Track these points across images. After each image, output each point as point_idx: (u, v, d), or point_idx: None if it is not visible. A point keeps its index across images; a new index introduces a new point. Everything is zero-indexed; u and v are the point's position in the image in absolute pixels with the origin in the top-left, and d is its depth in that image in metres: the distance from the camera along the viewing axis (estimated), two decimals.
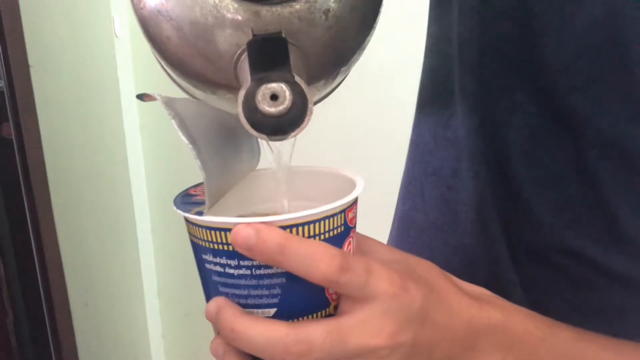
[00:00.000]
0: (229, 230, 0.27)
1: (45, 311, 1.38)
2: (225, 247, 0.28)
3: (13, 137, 1.24)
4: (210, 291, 0.30)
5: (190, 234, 0.30)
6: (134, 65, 1.53)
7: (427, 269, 0.32)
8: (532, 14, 0.39)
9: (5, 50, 1.19)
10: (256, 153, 0.36)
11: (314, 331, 0.27)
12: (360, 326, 0.28)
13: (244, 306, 0.29)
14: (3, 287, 1.35)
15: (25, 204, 1.29)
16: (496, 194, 0.41)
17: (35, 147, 1.27)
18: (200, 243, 0.29)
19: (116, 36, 1.46)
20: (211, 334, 0.32)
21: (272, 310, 0.29)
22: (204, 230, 0.28)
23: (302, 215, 0.27)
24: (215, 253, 0.28)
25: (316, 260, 0.27)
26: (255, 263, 0.28)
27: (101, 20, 1.44)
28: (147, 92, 0.32)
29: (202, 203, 0.30)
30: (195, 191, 0.34)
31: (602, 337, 0.35)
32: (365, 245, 0.33)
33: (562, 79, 0.38)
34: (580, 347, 0.35)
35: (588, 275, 0.38)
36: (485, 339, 0.32)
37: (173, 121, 0.29)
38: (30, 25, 1.23)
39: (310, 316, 0.29)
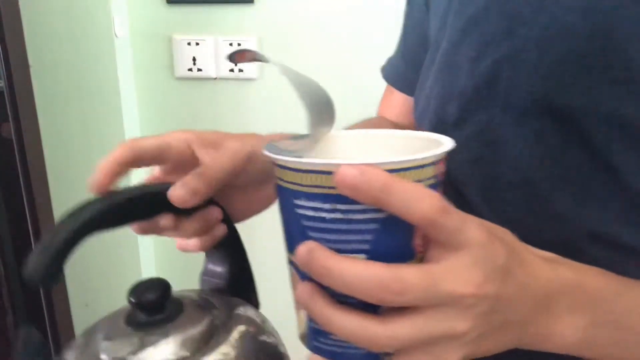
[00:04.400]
0: (328, 173, 0.27)
1: (45, 311, 1.38)
2: (320, 190, 0.28)
3: (13, 137, 1.24)
4: (296, 237, 0.31)
5: (280, 179, 0.31)
6: (134, 65, 1.53)
7: (504, 231, 0.32)
8: (514, 17, 0.40)
9: (5, 50, 1.18)
10: (333, 117, 0.38)
11: (409, 272, 0.27)
12: (451, 273, 0.28)
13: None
14: (3, 287, 1.35)
15: (25, 204, 1.29)
16: (506, 200, 0.41)
17: (35, 147, 1.27)
18: (292, 187, 0.30)
19: (116, 36, 1.46)
20: None
21: (361, 257, 0.29)
22: (300, 173, 0.29)
23: (402, 160, 0.28)
24: (309, 197, 0.29)
25: (419, 200, 0.27)
26: (350, 207, 0.28)
27: (101, 20, 1.44)
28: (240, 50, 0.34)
29: (290, 152, 0.31)
30: (282, 144, 0.35)
31: None
32: None
33: (552, 77, 0.39)
34: None
35: (619, 258, 0.38)
36: (561, 300, 0.32)
37: (278, 66, 0.31)
38: (30, 25, 1.23)
39: None
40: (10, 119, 1.23)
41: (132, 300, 0.37)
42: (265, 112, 1.51)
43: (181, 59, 1.49)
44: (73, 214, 0.36)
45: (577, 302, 0.32)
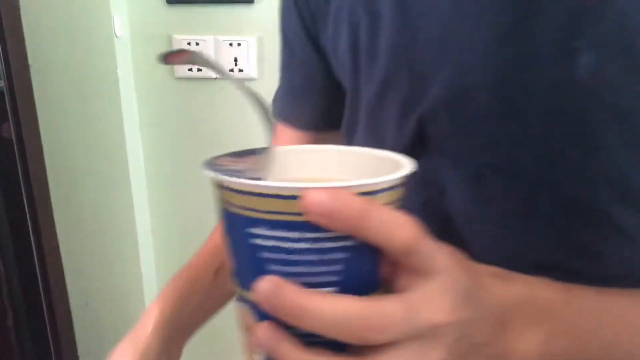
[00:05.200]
0: (294, 197, 0.24)
1: (45, 311, 1.38)
2: (285, 218, 0.25)
3: (13, 137, 1.24)
4: (251, 271, 0.27)
5: (228, 203, 0.27)
6: (134, 65, 1.53)
7: (458, 252, 0.30)
8: (423, 76, 0.40)
9: (5, 50, 1.18)
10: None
11: (391, 305, 0.25)
12: (426, 302, 0.26)
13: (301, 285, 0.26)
14: (3, 287, 1.35)
15: (25, 204, 1.29)
16: (462, 239, 0.42)
17: (35, 147, 1.27)
18: (247, 214, 0.26)
19: (116, 36, 1.46)
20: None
21: (331, 290, 0.26)
22: (258, 198, 0.25)
23: (374, 182, 0.26)
24: (272, 225, 0.25)
25: (399, 226, 0.25)
26: (319, 235, 0.25)
27: (101, 20, 1.44)
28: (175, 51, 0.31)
29: (238, 172, 0.28)
30: (222, 161, 0.31)
31: (619, 289, 0.35)
32: None
33: (471, 136, 0.38)
34: (603, 300, 0.35)
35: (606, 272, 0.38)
36: (515, 316, 0.31)
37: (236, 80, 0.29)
38: (30, 25, 1.23)
39: None
40: (10, 119, 1.23)
41: None
42: None
43: None
44: None
45: (530, 317, 0.32)
